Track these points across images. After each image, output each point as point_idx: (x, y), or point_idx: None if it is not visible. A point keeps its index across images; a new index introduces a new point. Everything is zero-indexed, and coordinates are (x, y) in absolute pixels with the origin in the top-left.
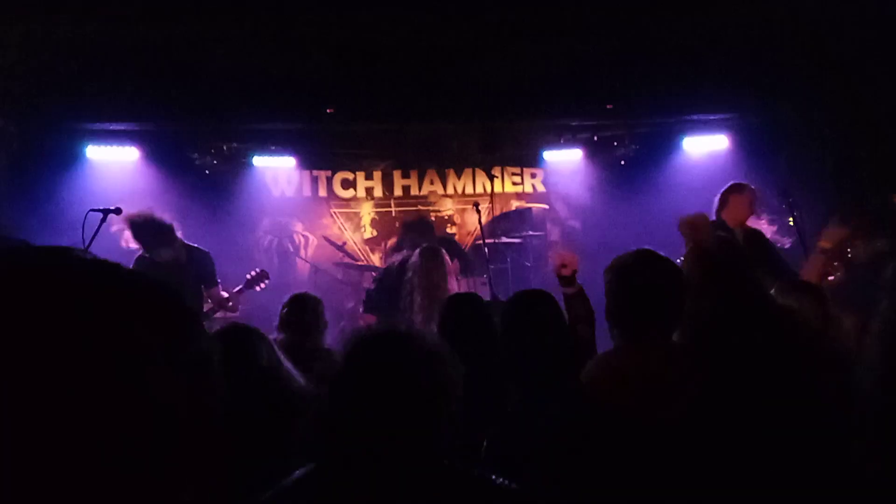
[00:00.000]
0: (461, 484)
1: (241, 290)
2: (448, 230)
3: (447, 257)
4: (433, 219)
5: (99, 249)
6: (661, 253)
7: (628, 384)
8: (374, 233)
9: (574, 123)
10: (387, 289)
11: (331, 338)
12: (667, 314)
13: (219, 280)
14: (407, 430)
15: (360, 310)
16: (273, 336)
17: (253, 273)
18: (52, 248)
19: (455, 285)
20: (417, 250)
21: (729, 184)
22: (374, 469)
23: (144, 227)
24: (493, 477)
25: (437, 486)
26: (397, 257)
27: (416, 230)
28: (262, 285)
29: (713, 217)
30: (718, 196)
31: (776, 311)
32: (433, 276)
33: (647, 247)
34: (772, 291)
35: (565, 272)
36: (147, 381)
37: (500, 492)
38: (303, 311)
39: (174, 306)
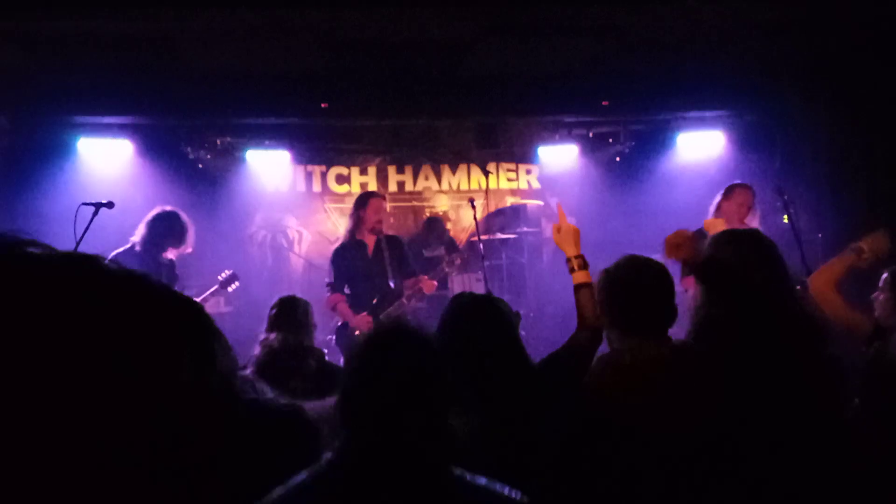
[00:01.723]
0: (470, 494)
1: (215, 291)
2: (445, 226)
3: (382, 202)
4: (428, 214)
5: (90, 243)
6: (657, 249)
7: (630, 383)
8: (339, 241)
9: (569, 120)
10: (342, 269)
11: (323, 335)
12: (660, 312)
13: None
14: (418, 434)
15: (327, 294)
16: (263, 336)
17: (224, 275)
18: (80, 257)
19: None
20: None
21: (721, 191)
22: (382, 476)
23: (169, 223)
24: (500, 487)
25: (446, 496)
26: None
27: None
28: (234, 286)
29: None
30: (716, 200)
31: (796, 312)
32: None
33: (642, 243)
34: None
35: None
36: (175, 394)
37: (503, 500)
38: (293, 313)
39: (206, 322)
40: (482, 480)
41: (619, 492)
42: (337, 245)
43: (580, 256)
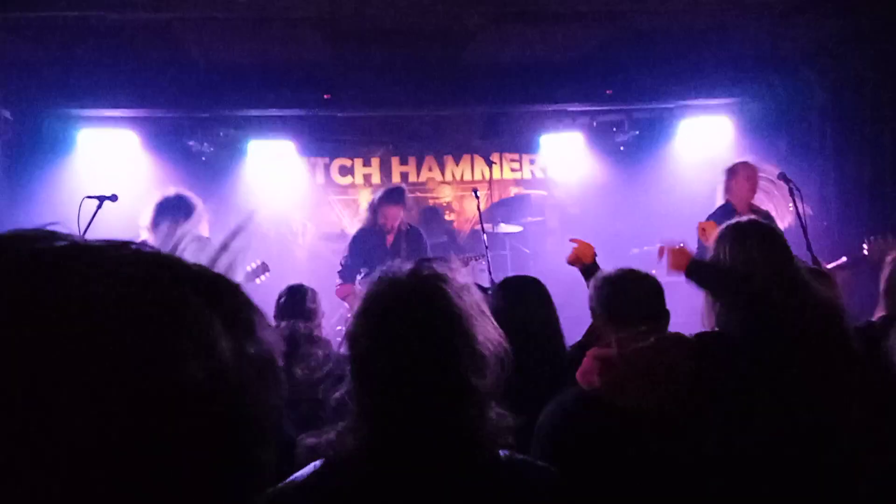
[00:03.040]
0: (507, 469)
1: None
2: (447, 217)
3: (400, 210)
4: (431, 204)
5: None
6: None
7: (622, 373)
8: (360, 227)
9: (573, 109)
10: (361, 252)
11: (328, 326)
12: (651, 302)
13: None
14: (444, 406)
15: (337, 283)
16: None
17: (254, 265)
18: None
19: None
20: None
21: (724, 173)
22: (411, 454)
23: (177, 204)
24: (538, 462)
25: (482, 471)
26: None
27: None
28: (263, 278)
29: (722, 202)
30: (722, 181)
31: (807, 300)
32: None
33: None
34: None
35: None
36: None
37: (547, 476)
38: (302, 301)
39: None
40: (519, 456)
41: (612, 483)
42: (359, 228)
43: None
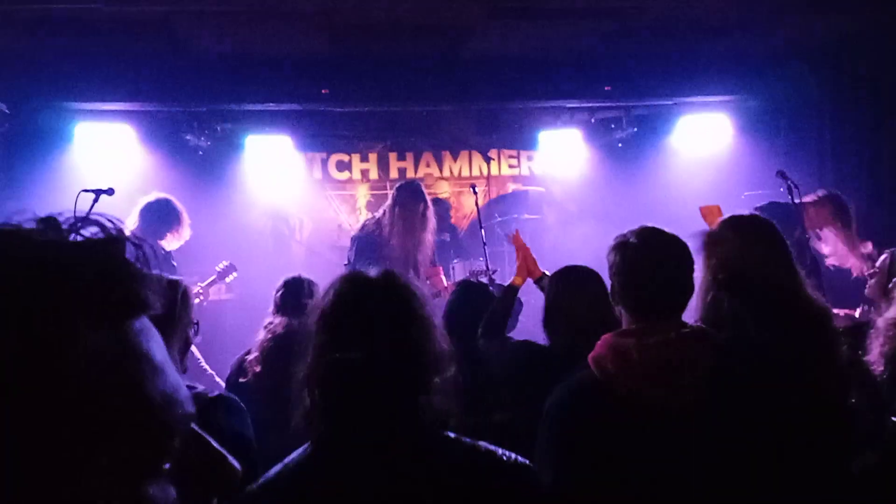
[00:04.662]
0: (466, 455)
1: (212, 282)
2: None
3: (429, 199)
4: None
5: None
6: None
7: (638, 365)
8: (370, 215)
9: (571, 105)
10: (367, 248)
11: None
12: (675, 290)
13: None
14: (394, 393)
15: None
16: (269, 320)
17: (222, 266)
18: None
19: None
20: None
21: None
22: (368, 442)
23: (162, 210)
24: (501, 451)
25: (439, 457)
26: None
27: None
28: (232, 276)
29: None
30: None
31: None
32: (409, 214)
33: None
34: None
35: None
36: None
37: (509, 465)
38: (299, 294)
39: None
40: (477, 442)
41: (613, 472)
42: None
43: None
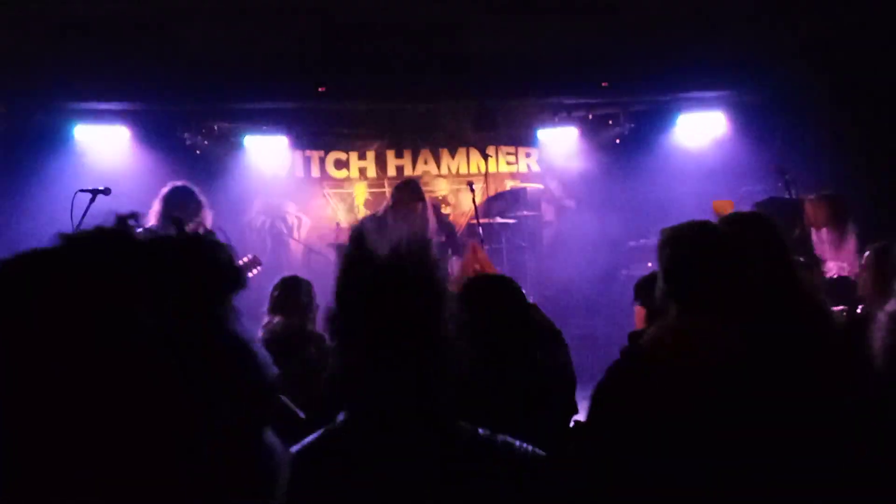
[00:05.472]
0: (481, 447)
1: None
2: (442, 210)
3: (428, 198)
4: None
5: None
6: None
7: (687, 356)
8: (368, 213)
9: (569, 102)
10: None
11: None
12: (725, 285)
13: None
14: (411, 379)
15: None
16: (264, 320)
17: (246, 259)
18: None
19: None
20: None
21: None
22: (378, 430)
23: (185, 198)
24: (517, 442)
25: (453, 449)
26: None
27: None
28: (255, 272)
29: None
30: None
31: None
32: (410, 210)
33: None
34: None
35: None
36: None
37: (524, 456)
38: (296, 294)
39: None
40: (496, 435)
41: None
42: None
43: None
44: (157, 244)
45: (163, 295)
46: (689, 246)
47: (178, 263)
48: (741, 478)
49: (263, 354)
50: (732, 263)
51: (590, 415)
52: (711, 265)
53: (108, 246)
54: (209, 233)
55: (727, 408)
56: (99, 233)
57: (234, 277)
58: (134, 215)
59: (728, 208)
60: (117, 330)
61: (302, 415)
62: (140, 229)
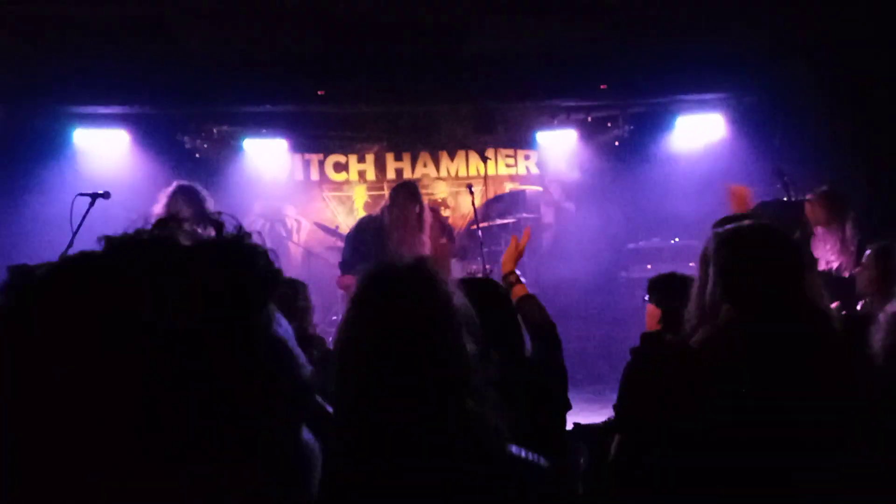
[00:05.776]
0: (494, 461)
1: None
2: (442, 213)
3: (425, 200)
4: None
5: (87, 234)
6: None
7: (740, 359)
8: (367, 215)
9: (568, 104)
10: (363, 243)
11: (321, 323)
12: (784, 290)
13: None
14: (427, 394)
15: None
16: None
17: None
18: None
19: (428, 241)
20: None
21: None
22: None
23: (190, 196)
24: (526, 453)
25: (470, 463)
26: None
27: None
28: None
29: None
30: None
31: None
32: (407, 212)
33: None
34: None
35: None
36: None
37: (535, 469)
38: (294, 297)
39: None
40: (510, 449)
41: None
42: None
43: (514, 273)
44: (202, 249)
45: (207, 300)
46: (753, 248)
47: (223, 268)
48: (795, 479)
49: (300, 353)
50: (796, 268)
51: (629, 418)
52: (776, 269)
53: (154, 252)
54: (246, 234)
55: (794, 412)
56: (145, 238)
57: (274, 280)
58: (175, 218)
59: (745, 194)
60: (162, 337)
61: (330, 409)
62: (180, 232)
